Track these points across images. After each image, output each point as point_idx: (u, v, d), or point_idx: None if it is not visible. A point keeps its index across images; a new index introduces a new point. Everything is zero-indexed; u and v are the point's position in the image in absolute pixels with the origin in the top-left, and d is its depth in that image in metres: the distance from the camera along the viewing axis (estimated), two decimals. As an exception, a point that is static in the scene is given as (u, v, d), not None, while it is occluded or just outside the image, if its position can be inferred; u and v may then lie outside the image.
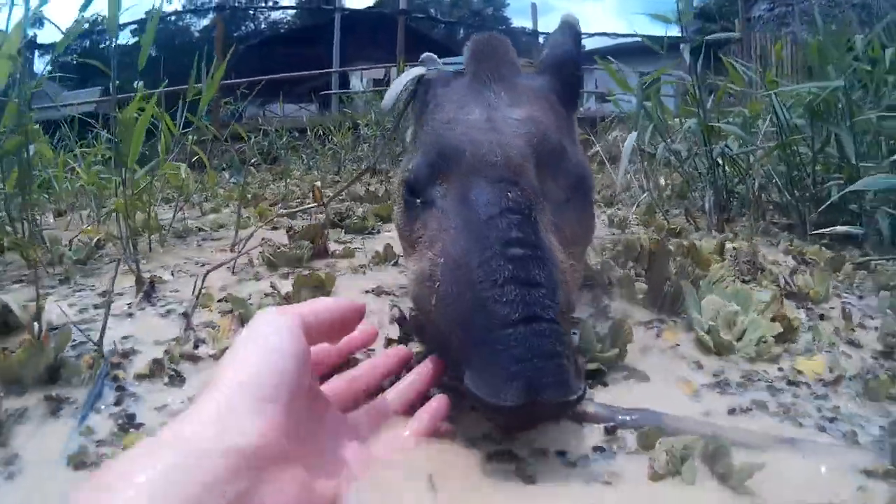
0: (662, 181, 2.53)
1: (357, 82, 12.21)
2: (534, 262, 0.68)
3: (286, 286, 1.09)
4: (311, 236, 1.39)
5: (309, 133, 5.41)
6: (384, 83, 10.70)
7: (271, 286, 1.10)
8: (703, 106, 1.87)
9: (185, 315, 0.95)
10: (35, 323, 0.79)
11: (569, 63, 1.04)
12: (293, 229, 1.44)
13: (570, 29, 1.10)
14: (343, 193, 2.30)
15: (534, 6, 11.11)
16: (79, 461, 0.59)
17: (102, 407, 0.69)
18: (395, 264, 1.32)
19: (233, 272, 1.22)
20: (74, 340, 0.84)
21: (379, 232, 1.76)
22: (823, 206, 1.56)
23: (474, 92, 0.95)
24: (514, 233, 0.69)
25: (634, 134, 1.96)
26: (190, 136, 1.84)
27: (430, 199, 0.83)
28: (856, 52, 1.82)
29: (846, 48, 1.80)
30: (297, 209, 1.85)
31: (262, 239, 1.45)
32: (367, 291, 1.13)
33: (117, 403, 0.70)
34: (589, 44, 17.94)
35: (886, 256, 1.36)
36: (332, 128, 5.23)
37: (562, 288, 0.69)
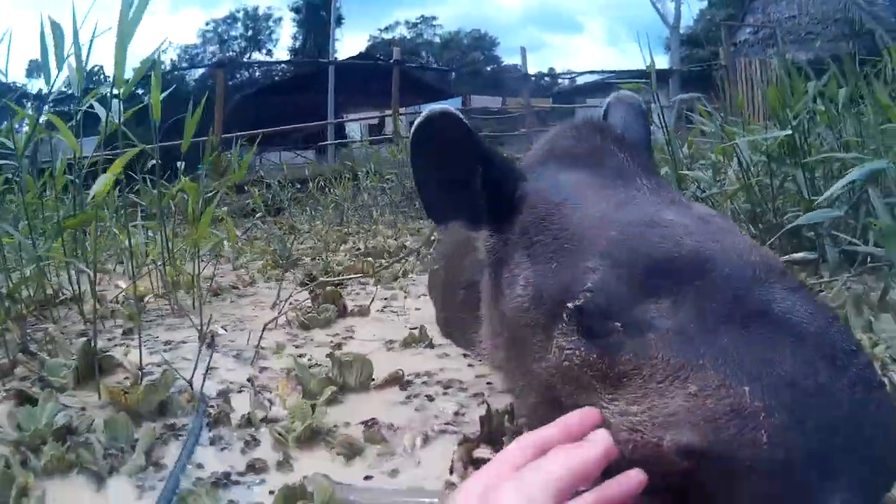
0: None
1: (353, 131, 12.50)
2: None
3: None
4: (332, 299, 1.64)
5: (311, 184, 5.63)
6: (379, 130, 11.01)
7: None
8: (674, 156, 2.11)
9: (251, 381, 1.15)
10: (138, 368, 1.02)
11: (638, 129, 1.15)
12: (315, 291, 1.70)
13: (635, 107, 1.20)
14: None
15: (523, 49, 11.42)
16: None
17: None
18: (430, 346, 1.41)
19: (274, 327, 1.45)
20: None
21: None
22: (777, 235, 1.78)
23: (612, 187, 0.89)
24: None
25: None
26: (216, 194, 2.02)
27: (638, 321, 0.71)
28: (814, 94, 2.04)
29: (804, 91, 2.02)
30: (343, 278, 2.05)
31: (292, 301, 1.70)
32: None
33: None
34: (578, 80, 18.35)
35: (834, 278, 1.58)
36: (332, 179, 5.46)
37: None
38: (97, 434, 0.87)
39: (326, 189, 5.37)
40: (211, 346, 1.27)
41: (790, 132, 1.81)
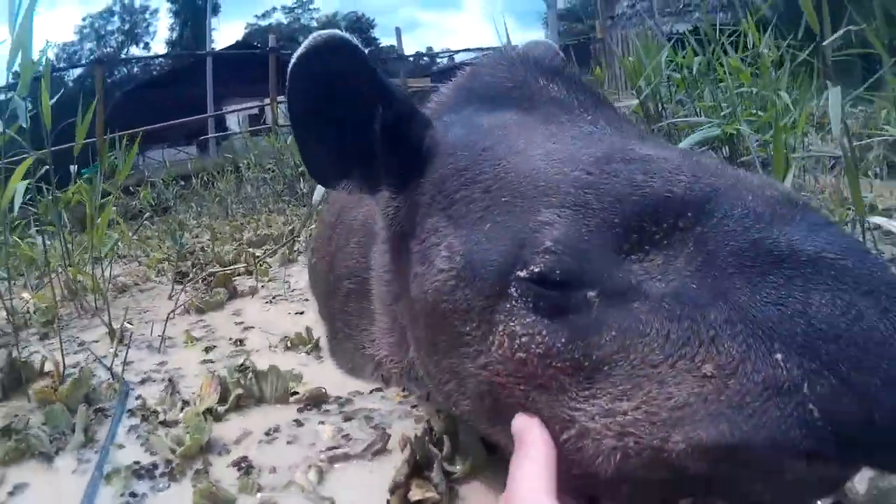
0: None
1: (234, 122, 12.37)
2: None
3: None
4: (223, 283, 1.79)
5: (194, 180, 5.63)
6: (260, 121, 10.90)
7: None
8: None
9: (171, 381, 1.20)
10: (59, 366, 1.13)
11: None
12: (206, 279, 1.84)
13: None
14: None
15: (398, 29, 11.57)
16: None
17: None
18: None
19: (173, 316, 1.55)
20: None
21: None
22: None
23: (556, 123, 0.77)
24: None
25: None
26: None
27: (619, 287, 0.56)
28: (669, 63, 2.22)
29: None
30: (229, 268, 2.16)
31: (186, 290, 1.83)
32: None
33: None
34: (457, 58, 18.45)
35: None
36: (215, 173, 5.49)
37: None
38: (39, 427, 0.97)
39: (210, 184, 5.39)
40: (122, 341, 1.37)
41: (637, 101, 2.01)
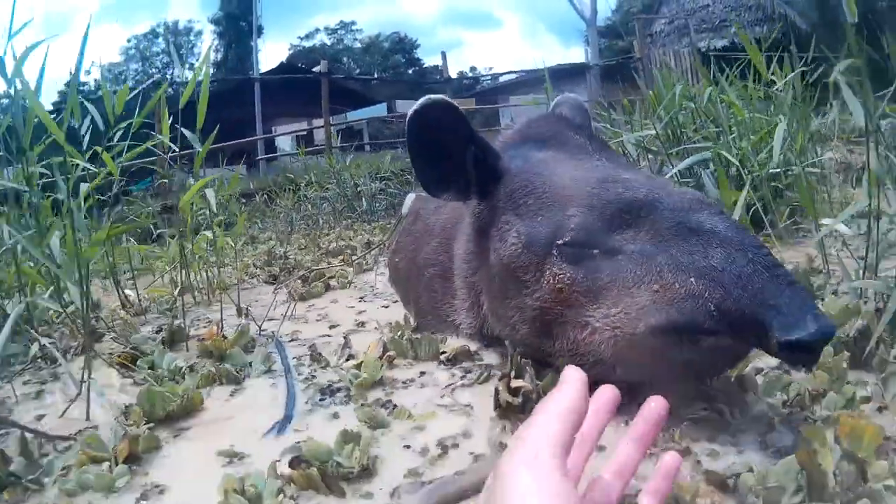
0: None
1: (283, 143, 12.77)
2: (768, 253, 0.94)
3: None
4: (320, 278, 2.24)
5: (256, 198, 6.02)
6: (308, 140, 11.23)
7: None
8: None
9: (345, 338, 1.68)
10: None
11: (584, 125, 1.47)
12: (306, 276, 2.29)
13: (576, 105, 1.59)
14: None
15: (443, 53, 11.92)
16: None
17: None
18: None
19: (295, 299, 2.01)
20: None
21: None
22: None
23: (577, 159, 1.24)
24: (754, 240, 0.95)
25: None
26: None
27: (611, 248, 1.03)
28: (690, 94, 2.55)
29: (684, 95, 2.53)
30: (329, 266, 2.60)
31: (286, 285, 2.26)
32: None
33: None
34: (503, 79, 18.73)
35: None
36: (275, 191, 5.91)
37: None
38: (222, 364, 1.38)
39: (271, 201, 5.77)
40: (248, 316, 1.82)
41: (653, 132, 2.38)
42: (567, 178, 1.13)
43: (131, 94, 1.50)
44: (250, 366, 1.40)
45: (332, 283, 2.29)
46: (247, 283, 2.58)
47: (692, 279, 0.92)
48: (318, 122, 10.96)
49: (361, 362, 1.30)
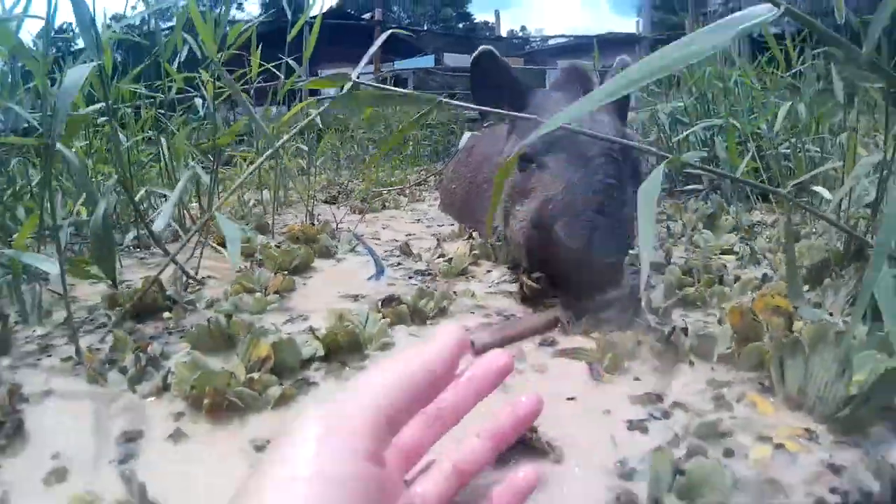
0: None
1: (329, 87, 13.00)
2: (615, 189, 1.19)
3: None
4: (378, 197, 2.62)
5: (305, 135, 6.32)
6: (356, 87, 11.47)
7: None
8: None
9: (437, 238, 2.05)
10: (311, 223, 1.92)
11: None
12: (365, 198, 2.65)
13: (625, 66, 1.57)
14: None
15: (497, 11, 12.09)
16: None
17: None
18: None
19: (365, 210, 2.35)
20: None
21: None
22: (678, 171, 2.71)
23: (567, 102, 1.39)
24: (611, 170, 1.20)
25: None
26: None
27: (543, 164, 1.27)
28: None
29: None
30: (389, 188, 2.98)
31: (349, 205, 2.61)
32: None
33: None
34: (550, 42, 18.89)
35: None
36: (324, 130, 6.21)
37: (629, 210, 1.19)
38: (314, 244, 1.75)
39: (318, 140, 6.07)
40: (319, 222, 2.18)
41: (682, 104, 2.71)
42: (546, 111, 1.34)
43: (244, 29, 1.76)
44: (337, 247, 1.79)
45: (388, 205, 2.66)
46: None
47: (559, 198, 1.20)
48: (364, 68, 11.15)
49: (451, 258, 1.61)
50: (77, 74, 1.03)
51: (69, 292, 1.15)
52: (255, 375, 0.89)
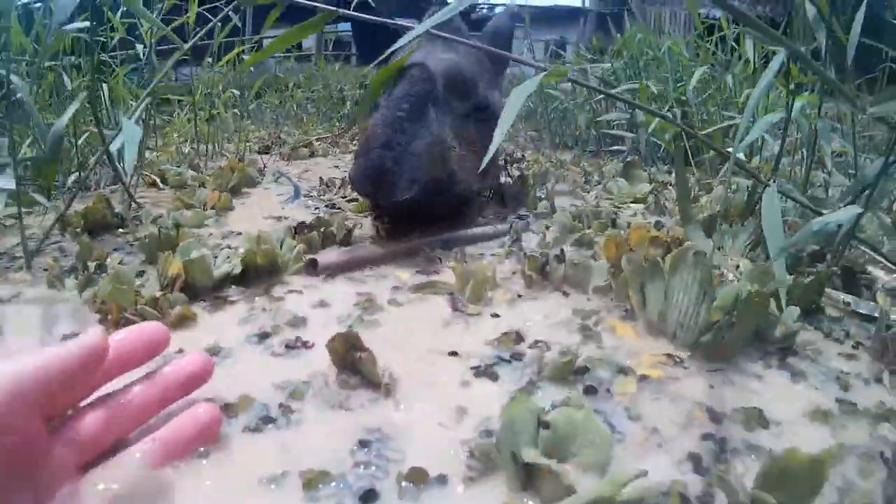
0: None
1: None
2: (406, 120, 1.17)
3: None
4: (306, 146, 2.73)
5: (245, 94, 6.37)
6: (299, 46, 11.50)
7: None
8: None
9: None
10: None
11: (500, 35, 1.59)
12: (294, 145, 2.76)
13: (509, 13, 1.69)
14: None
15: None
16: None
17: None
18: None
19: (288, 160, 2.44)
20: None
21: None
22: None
23: (426, 47, 1.42)
24: (405, 105, 1.18)
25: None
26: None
27: (378, 102, 1.29)
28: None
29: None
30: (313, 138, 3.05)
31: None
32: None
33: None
34: (498, 10, 19.01)
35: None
36: (263, 89, 6.27)
37: (423, 140, 1.19)
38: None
39: (257, 98, 6.13)
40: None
41: (608, 66, 2.85)
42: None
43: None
44: (262, 178, 1.98)
45: (317, 154, 2.78)
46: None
47: (363, 138, 1.23)
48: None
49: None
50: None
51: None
52: (164, 294, 0.93)
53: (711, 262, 0.86)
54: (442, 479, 0.56)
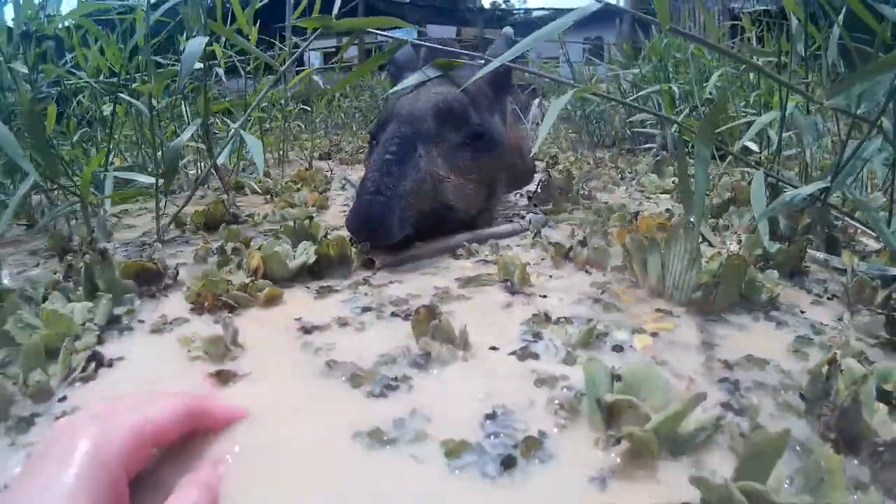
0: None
1: (313, 58, 13.22)
2: (394, 163, 1.21)
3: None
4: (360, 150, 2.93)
5: (291, 105, 6.60)
6: (336, 57, 11.58)
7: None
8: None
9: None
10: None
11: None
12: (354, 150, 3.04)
13: (507, 39, 1.62)
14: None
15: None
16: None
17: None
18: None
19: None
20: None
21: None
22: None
23: (423, 78, 1.42)
24: (392, 147, 1.23)
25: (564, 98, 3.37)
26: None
27: (377, 140, 1.35)
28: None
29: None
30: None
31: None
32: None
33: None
34: (535, 14, 18.91)
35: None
36: (310, 101, 6.50)
37: (412, 180, 1.22)
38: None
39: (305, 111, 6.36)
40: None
41: (637, 71, 3.08)
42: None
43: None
44: (328, 184, 2.21)
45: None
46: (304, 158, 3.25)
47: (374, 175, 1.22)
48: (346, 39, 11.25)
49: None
50: (195, 45, 1.39)
51: (122, 221, 1.63)
52: (252, 281, 1.04)
53: (699, 235, 0.98)
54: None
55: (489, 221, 1.50)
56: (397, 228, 1.18)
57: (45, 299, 0.97)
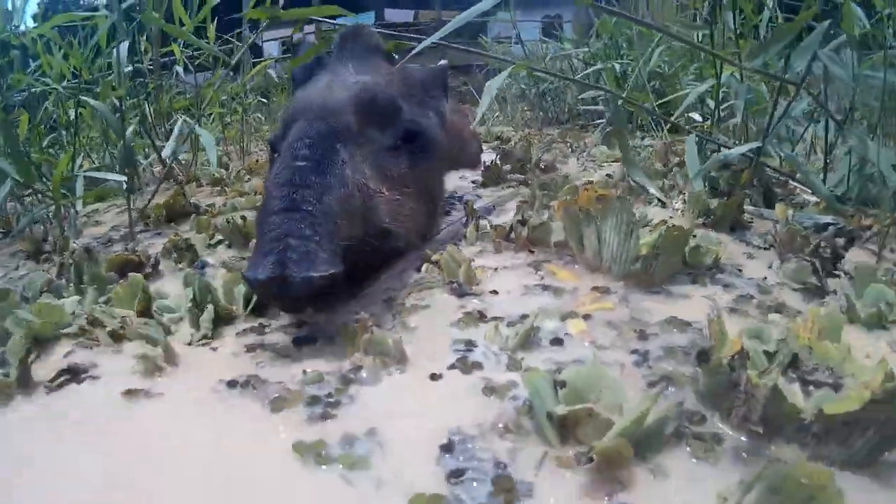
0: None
1: (271, 48, 13.17)
2: (311, 170, 0.90)
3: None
4: None
5: (250, 98, 6.63)
6: (294, 48, 11.55)
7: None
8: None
9: None
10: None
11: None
12: None
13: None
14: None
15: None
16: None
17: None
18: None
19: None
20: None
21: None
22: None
23: (331, 70, 1.21)
24: (303, 151, 0.92)
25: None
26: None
27: (278, 150, 1.06)
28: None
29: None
30: None
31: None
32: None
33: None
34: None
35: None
36: (268, 91, 6.55)
37: (337, 193, 0.90)
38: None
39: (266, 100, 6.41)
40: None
41: (587, 49, 3.18)
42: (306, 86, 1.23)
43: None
44: None
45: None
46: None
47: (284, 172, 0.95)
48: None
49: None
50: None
51: (91, 219, 1.70)
52: None
53: (632, 205, 0.99)
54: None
55: (433, 235, 1.29)
56: (322, 263, 0.83)
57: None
